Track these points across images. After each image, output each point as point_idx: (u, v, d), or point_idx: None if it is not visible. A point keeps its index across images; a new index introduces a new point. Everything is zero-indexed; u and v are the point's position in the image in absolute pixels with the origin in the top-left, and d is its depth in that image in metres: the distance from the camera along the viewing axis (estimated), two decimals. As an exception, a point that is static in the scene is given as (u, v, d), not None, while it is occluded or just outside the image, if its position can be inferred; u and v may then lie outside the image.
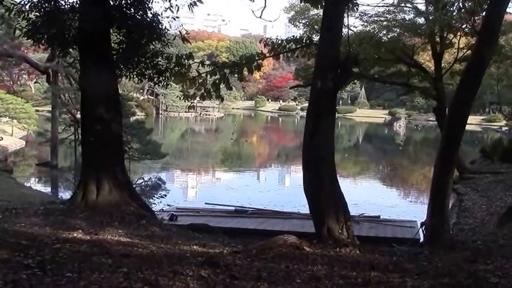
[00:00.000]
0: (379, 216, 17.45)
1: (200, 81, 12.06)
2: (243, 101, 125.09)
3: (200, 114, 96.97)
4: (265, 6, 12.97)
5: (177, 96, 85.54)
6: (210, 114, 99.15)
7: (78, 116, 30.24)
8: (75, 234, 9.03)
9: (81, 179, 12.25)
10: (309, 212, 17.63)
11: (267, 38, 12.14)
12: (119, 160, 12.49)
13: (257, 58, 11.65)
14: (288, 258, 7.65)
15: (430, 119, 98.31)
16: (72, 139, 30.04)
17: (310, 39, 12.44)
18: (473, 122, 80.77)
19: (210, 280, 6.11)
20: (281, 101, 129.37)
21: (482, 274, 6.57)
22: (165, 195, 16.52)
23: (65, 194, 23.96)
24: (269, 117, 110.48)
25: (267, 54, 11.81)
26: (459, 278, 6.37)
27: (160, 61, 12.92)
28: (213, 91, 12.07)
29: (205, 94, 12.09)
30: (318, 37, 11.15)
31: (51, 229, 9.41)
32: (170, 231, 11.64)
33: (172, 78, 13.10)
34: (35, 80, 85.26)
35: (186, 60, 12.11)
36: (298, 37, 11.95)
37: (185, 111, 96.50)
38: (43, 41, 12.33)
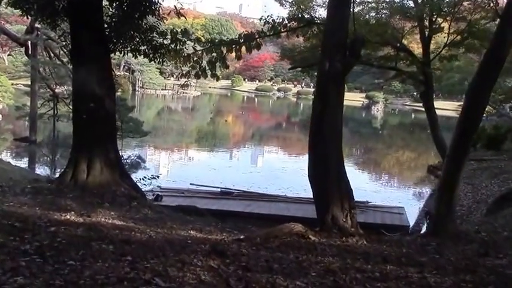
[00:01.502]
0: (367, 202, 17.28)
1: (195, 59, 11.54)
2: (219, 80, 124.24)
3: (177, 92, 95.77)
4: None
5: (154, 73, 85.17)
6: (187, 93, 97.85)
7: (58, 90, 29.59)
8: (67, 216, 8.63)
9: (71, 157, 11.73)
10: (294, 196, 17.90)
11: (267, 16, 11.66)
12: (112, 138, 12.06)
13: (257, 36, 11.19)
14: (295, 247, 7.35)
15: (407, 103, 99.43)
16: (51, 114, 29.36)
17: (312, 17, 12.01)
18: (450, 108, 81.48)
19: (222, 271, 5.77)
20: (257, 81, 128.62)
21: (502, 270, 6.36)
22: (158, 177, 16.05)
23: (44, 170, 23.42)
24: (246, 97, 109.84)
25: (267, 33, 11.35)
26: (480, 273, 6.14)
27: (155, 36, 12.39)
28: (208, 69, 11.58)
29: (200, 73, 11.58)
30: (324, 15, 10.73)
31: (42, 209, 9.00)
32: (162, 213, 11.31)
33: (167, 55, 12.53)
34: (8, 52, 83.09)
35: (181, 36, 11.56)
36: (299, 15, 11.53)
37: (162, 89, 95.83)
38: (32, 11, 11.69)
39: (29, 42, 29.09)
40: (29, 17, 12.83)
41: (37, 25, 26.73)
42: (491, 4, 14.52)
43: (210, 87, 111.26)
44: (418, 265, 6.70)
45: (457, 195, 9.55)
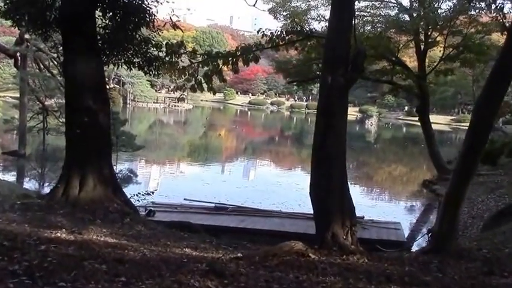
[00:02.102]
0: (363, 217, 17.04)
1: (191, 71, 11.35)
2: (213, 94, 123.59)
3: (169, 105, 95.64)
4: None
5: (145, 85, 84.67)
6: (178, 106, 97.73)
7: (47, 103, 29.31)
8: (58, 234, 8.37)
9: (63, 173, 11.48)
10: (289, 211, 17.70)
11: (265, 29, 11.50)
12: (106, 153, 11.81)
13: (254, 49, 11.04)
14: (295, 266, 7.14)
15: (400, 117, 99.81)
16: (40, 127, 29.06)
17: (311, 30, 11.88)
18: (443, 122, 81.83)
19: (220, 293, 5.58)
20: (250, 94, 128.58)
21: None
22: (152, 193, 15.81)
23: (33, 184, 23.09)
24: (238, 111, 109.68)
25: (265, 46, 11.20)
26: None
27: (150, 49, 12.21)
28: (204, 82, 11.39)
29: (196, 85, 11.39)
30: (318, 29, 10.58)
31: (31, 227, 8.73)
32: (155, 230, 11.04)
33: (162, 68, 12.34)
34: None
35: (177, 49, 11.37)
36: (298, 28, 11.39)
37: (153, 102, 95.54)
38: (23, 22, 11.49)
39: (19, 53, 28.80)
40: (19, 28, 12.53)
41: (27, 36, 26.50)
42: (499, 17, 14.44)
43: (202, 101, 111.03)
44: (423, 284, 6.54)
45: (460, 213, 9.35)
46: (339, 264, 7.56)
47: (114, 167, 24.89)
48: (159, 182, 26.57)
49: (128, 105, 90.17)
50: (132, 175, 25.94)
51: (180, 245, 9.27)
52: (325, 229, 8.74)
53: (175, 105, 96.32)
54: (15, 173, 26.72)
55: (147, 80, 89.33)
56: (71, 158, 11.47)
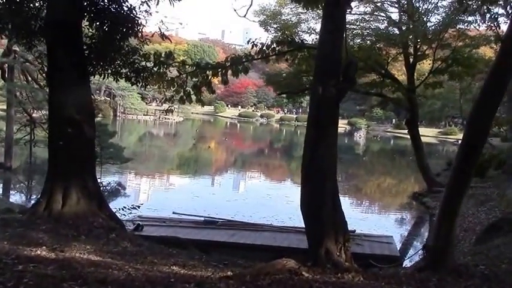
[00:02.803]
0: (354, 231, 16.61)
1: (179, 82, 10.94)
2: (202, 106, 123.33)
3: (159, 117, 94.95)
4: (251, 5, 11.98)
5: (136, 98, 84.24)
6: (169, 118, 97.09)
7: (35, 115, 28.76)
8: (38, 252, 7.88)
9: (46, 187, 10.98)
10: (280, 225, 17.28)
11: (255, 39, 11.14)
12: (90, 166, 11.34)
13: (244, 60, 10.66)
14: (288, 286, 6.70)
15: (388, 129, 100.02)
16: (28, 139, 28.50)
17: (302, 42, 11.53)
18: (430, 135, 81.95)
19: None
20: (239, 106, 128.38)
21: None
22: (138, 207, 15.32)
23: (18, 197, 22.51)
24: (229, 123, 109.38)
25: (255, 56, 10.82)
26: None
27: (137, 59, 11.80)
28: (193, 94, 10.98)
29: (184, 97, 10.97)
30: (309, 41, 10.22)
31: (10, 244, 8.24)
32: (142, 246, 10.53)
33: (150, 79, 11.92)
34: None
35: (165, 59, 10.96)
36: (289, 39, 11.05)
37: (144, 114, 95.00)
38: (6, 31, 11.06)
39: (6, 65, 28.29)
40: (4, 38, 12.06)
41: (15, 48, 26.02)
42: (492, 27, 14.22)
43: (192, 113, 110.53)
44: (423, 306, 6.14)
45: (455, 227, 8.96)
46: (334, 283, 7.13)
47: (101, 180, 24.68)
48: (148, 195, 26.10)
49: (118, 118, 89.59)
50: (120, 188, 25.39)
51: (167, 262, 8.80)
52: (318, 245, 8.31)
53: (165, 118, 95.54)
54: (0, 186, 26.13)
55: (138, 93, 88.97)
56: (53, 170, 11.00)
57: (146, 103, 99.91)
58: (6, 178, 27.38)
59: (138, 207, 15.33)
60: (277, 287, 6.61)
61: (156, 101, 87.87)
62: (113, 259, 8.34)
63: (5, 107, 31.51)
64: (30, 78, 29.41)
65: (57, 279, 6.01)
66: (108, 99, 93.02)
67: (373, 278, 7.65)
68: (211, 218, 17.37)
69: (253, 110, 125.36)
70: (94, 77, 12.29)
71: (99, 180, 23.56)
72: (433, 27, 24.33)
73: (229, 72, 11.07)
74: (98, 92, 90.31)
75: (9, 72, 28.85)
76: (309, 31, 26.29)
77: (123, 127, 78.36)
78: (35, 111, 29.31)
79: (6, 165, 28.11)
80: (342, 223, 8.64)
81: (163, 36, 11.93)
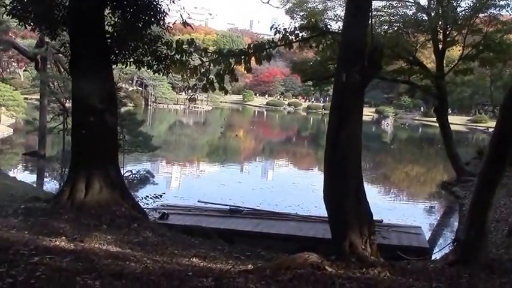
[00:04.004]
0: (381, 221, 16.09)
1: (202, 71, 10.55)
2: (230, 95, 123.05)
3: (188, 106, 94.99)
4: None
5: (167, 87, 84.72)
6: (198, 107, 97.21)
7: (68, 105, 28.82)
8: (57, 243, 7.65)
9: (69, 176, 10.80)
10: (306, 214, 16.85)
11: (278, 25, 10.67)
12: (113, 155, 11.15)
13: (267, 47, 10.21)
14: (310, 281, 6.30)
15: (416, 117, 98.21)
16: (61, 128, 28.62)
17: (326, 27, 11.02)
18: (459, 122, 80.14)
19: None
20: (266, 95, 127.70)
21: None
22: (160, 196, 15.10)
23: (51, 185, 22.57)
24: (256, 112, 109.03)
25: (278, 43, 10.36)
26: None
27: (159, 47, 11.48)
28: (216, 82, 10.58)
29: (207, 85, 10.58)
30: (341, 27, 9.71)
31: (31, 234, 8.05)
32: (164, 236, 10.28)
33: (172, 67, 11.57)
34: (24, 67, 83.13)
35: (187, 47, 10.58)
36: (313, 24, 10.55)
37: (174, 103, 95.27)
38: (30, 21, 10.82)
39: (39, 56, 28.38)
40: (33, 29, 11.82)
41: (47, 39, 26.05)
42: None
43: (221, 102, 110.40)
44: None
45: (488, 220, 8.37)
46: (359, 278, 6.69)
47: (130, 168, 24.64)
48: (176, 183, 26.00)
49: (149, 107, 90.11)
50: (149, 176, 25.23)
51: (188, 253, 8.49)
52: (342, 238, 7.86)
53: (194, 107, 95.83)
54: (34, 174, 26.34)
55: (168, 83, 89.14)
56: (76, 159, 10.85)
57: (176, 93, 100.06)
58: (40, 166, 27.64)
59: (161, 196, 15.07)
60: (299, 283, 6.23)
61: (186, 91, 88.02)
62: (133, 250, 8.09)
63: (38, 97, 31.83)
64: (62, 69, 29.45)
65: (71, 272, 5.75)
66: (140, 89, 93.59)
67: (400, 274, 7.19)
68: (236, 206, 17.05)
69: (278, 99, 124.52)
70: (116, 65, 12.03)
71: (128, 169, 24.04)
72: (463, 12, 23.49)
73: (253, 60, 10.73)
74: (130, 82, 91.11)
75: (42, 63, 29.00)
76: (335, 18, 25.65)
77: (154, 116, 78.81)
78: (68, 100, 29.36)
79: (40, 153, 28.38)
80: (367, 214, 8.16)
81: (185, 24, 11.58)
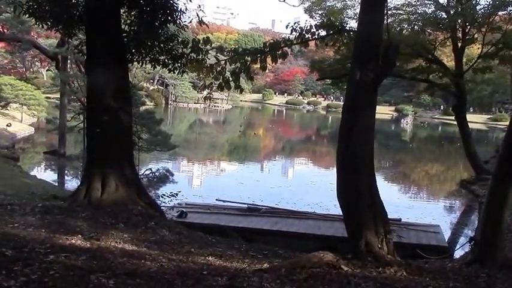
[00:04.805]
0: (400, 219, 15.91)
1: (218, 69, 10.50)
2: (250, 94, 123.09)
3: (209, 105, 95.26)
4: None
5: (187, 87, 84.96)
6: (218, 106, 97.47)
7: (87, 104, 29.00)
8: (73, 241, 7.62)
9: (85, 174, 10.83)
10: (324, 213, 16.70)
11: (294, 23, 10.56)
12: (128, 154, 11.13)
13: (282, 45, 10.11)
14: (325, 280, 6.19)
15: (436, 116, 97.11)
16: (81, 127, 28.79)
17: (342, 25, 10.86)
18: (479, 121, 79.03)
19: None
20: (286, 94, 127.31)
21: None
22: (176, 194, 15.07)
23: (72, 184, 22.72)
24: (276, 111, 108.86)
25: (294, 41, 10.25)
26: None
27: (175, 46, 11.44)
28: (231, 81, 10.52)
29: (223, 84, 10.53)
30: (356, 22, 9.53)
31: (48, 232, 8.04)
32: (181, 234, 10.20)
33: (188, 66, 11.54)
34: (47, 67, 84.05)
35: (203, 46, 10.53)
36: (329, 22, 10.41)
37: (194, 102, 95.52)
38: (46, 20, 10.85)
39: (59, 55, 28.60)
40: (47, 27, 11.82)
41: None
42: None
43: (241, 101, 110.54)
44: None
45: (505, 219, 8.15)
46: (375, 278, 6.57)
47: (151, 167, 24.72)
48: (196, 181, 26.03)
49: (169, 106, 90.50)
50: (168, 174, 25.27)
51: (204, 252, 8.41)
52: (358, 237, 7.73)
53: (214, 106, 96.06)
54: (53, 172, 26.57)
55: (189, 82, 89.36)
56: (92, 158, 10.86)
57: (197, 91, 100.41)
58: (61, 164, 27.82)
59: (177, 194, 15.01)
60: (314, 282, 6.13)
61: (202, 89, 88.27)
62: (149, 248, 8.05)
63: (59, 96, 32.08)
64: (82, 68, 29.63)
65: (85, 270, 5.72)
66: (161, 88, 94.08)
67: (417, 273, 7.03)
68: (254, 205, 16.98)
69: (297, 97, 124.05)
70: (132, 64, 12.02)
71: (147, 167, 24.13)
72: (482, 10, 23.07)
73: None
74: (151, 81, 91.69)
75: (63, 62, 29.21)
76: (355, 17, 25.33)
77: (174, 115, 79.14)
78: (87, 100, 29.51)
79: (60, 151, 28.57)
80: (382, 213, 8.02)
81: (201, 23, 11.53)
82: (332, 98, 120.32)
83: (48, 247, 6.71)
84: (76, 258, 6.36)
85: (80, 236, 7.98)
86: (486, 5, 23.37)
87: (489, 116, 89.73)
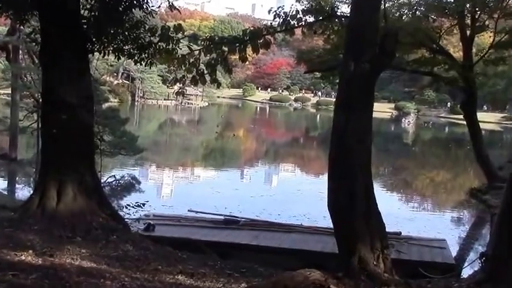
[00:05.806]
0: (400, 233, 16.07)
1: (191, 60, 10.57)
2: (229, 89, 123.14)
3: (181, 102, 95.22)
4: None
5: (156, 81, 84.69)
6: (192, 103, 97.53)
7: (42, 100, 28.81)
8: (23, 257, 7.67)
9: (39, 181, 10.84)
10: (312, 226, 16.84)
11: (278, 7, 10.67)
12: (88, 158, 11.15)
13: (264, 33, 10.22)
14: (311, 302, 6.29)
15: (442, 115, 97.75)
16: (35, 127, 28.60)
17: (333, 9, 10.98)
18: (492, 120, 79.82)
19: None
20: (269, 89, 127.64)
21: None
22: (143, 205, 15.10)
23: (23, 192, 22.58)
24: (258, 108, 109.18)
25: (278, 29, 10.37)
26: None
27: (142, 33, 11.50)
28: (207, 73, 10.61)
29: (197, 77, 10.61)
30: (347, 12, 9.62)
31: (-6, 247, 8.03)
32: (147, 249, 10.25)
33: (157, 56, 11.60)
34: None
35: (174, 34, 10.61)
36: (318, 7, 10.54)
37: (164, 99, 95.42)
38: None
39: (10, 45, 28.36)
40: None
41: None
42: None
43: (218, 97, 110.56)
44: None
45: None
46: (368, 299, 6.70)
47: (114, 173, 24.64)
48: (165, 190, 26.04)
49: (136, 103, 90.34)
50: (134, 182, 25.21)
51: (173, 270, 8.47)
52: (350, 252, 7.84)
53: (188, 103, 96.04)
54: (4, 179, 26.38)
55: (159, 75, 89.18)
56: (47, 162, 10.86)
57: (167, 87, 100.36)
58: (11, 170, 27.59)
59: (143, 204, 15.08)
60: (299, 305, 6.22)
61: (173, 84, 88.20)
62: (110, 266, 8.10)
63: (9, 91, 31.76)
64: (36, 60, 29.44)
65: (35, 291, 5.76)
66: (127, 82, 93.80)
67: (416, 294, 7.18)
68: (232, 216, 17.05)
69: (282, 92, 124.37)
70: (93, 55, 12.04)
71: (111, 174, 24.04)
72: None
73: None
74: (115, 74, 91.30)
75: (13, 53, 28.92)
76: (347, 1, 25.57)
77: (141, 113, 78.99)
78: (43, 96, 29.30)
79: (11, 156, 28.27)
80: (379, 226, 8.15)
81: (171, 8, 11.61)
82: (322, 93, 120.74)
83: (-6, 265, 6.74)
84: (26, 277, 6.42)
85: (30, 251, 8.01)
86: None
87: (503, 115, 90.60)
